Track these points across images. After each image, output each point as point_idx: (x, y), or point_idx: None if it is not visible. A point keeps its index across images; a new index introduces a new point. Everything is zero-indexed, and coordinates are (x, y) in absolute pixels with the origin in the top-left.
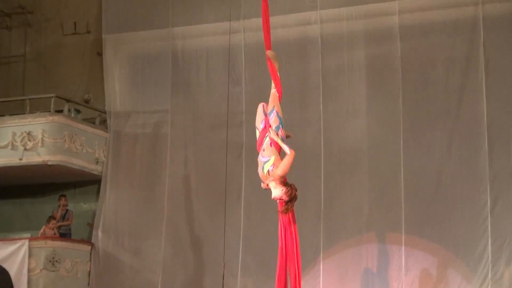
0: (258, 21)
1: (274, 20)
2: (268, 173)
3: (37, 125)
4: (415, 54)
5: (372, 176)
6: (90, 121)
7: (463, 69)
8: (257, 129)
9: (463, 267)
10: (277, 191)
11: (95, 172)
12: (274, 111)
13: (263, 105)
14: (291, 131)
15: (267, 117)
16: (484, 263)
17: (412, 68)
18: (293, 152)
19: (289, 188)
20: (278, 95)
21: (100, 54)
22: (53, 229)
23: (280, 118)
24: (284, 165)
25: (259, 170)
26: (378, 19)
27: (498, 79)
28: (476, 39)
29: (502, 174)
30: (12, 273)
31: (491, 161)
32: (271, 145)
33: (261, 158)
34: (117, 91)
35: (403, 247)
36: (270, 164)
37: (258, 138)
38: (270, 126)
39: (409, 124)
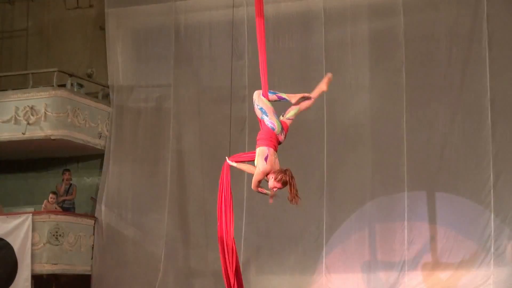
0: None
1: None
2: None
3: (40, 99)
4: (419, 28)
5: (375, 150)
6: (93, 96)
7: (466, 43)
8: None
9: (466, 241)
10: (270, 181)
11: (98, 147)
12: (255, 104)
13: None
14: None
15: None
16: (487, 237)
17: (415, 42)
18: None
19: (277, 174)
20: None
21: (102, 28)
22: (53, 204)
23: (261, 109)
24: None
25: None
26: None
27: (502, 53)
28: (480, 13)
29: (505, 149)
30: (16, 247)
31: (494, 135)
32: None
33: None
34: (120, 65)
35: (405, 221)
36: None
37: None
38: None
39: (412, 98)
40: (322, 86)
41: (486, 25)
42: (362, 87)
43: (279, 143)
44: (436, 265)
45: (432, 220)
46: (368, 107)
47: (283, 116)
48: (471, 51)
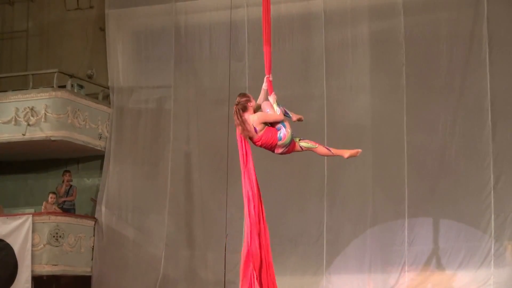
0: None
1: None
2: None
3: (40, 100)
4: (419, 29)
5: (376, 152)
6: (93, 97)
7: (466, 44)
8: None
9: (466, 242)
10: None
11: (98, 148)
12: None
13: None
14: (294, 107)
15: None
16: (487, 238)
17: (416, 43)
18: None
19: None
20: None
21: (103, 29)
22: (53, 204)
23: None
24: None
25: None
26: None
27: (502, 54)
28: (480, 14)
29: (506, 150)
30: (16, 248)
31: (495, 136)
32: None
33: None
34: (120, 67)
35: (406, 222)
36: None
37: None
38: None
39: (413, 100)
40: (344, 153)
41: (487, 27)
42: (363, 88)
43: (272, 148)
44: (437, 265)
45: (433, 220)
46: (368, 108)
47: (298, 139)
48: (472, 52)
